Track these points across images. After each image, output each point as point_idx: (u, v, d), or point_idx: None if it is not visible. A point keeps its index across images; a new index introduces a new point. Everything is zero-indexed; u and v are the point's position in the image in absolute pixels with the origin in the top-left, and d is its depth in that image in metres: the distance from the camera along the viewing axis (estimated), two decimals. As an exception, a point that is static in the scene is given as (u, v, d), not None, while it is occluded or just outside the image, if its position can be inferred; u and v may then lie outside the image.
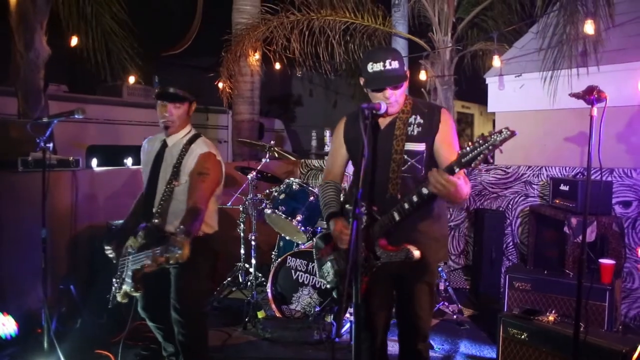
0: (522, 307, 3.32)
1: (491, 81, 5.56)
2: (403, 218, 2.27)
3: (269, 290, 4.26)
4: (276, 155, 4.94)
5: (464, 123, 21.05)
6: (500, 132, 1.88)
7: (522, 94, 5.31)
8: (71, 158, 4.39)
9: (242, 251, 4.94)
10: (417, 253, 2.24)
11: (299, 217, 4.23)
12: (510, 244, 5.02)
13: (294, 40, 6.31)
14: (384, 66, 2.32)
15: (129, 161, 5.17)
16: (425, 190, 2.16)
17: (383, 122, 2.46)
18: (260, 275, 4.82)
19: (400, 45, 7.12)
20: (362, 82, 2.46)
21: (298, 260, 4.18)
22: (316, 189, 4.45)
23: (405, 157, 2.37)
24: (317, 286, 4.10)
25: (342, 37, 6.49)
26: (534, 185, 4.87)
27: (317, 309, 4.05)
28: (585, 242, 2.56)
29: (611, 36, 4.68)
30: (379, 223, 2.34)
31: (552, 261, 4.13)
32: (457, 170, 2.00)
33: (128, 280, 2.59)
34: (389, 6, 6.90)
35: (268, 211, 4.37)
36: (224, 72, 6.76)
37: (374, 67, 2.34)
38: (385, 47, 2.43)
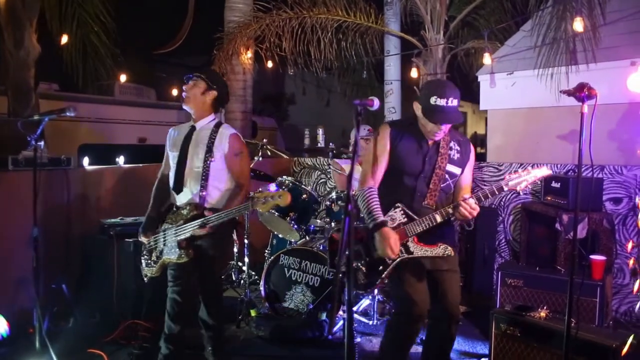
0: (514, 303, 3.34)
1: (483, 79, 5.59)
2: (443, 222, 2.65)
3: (262, 288, 4.26)
4: (269, 153, 4.93)
5: (456, 121, 21.14)
6: (540, 168, 2.57)
7: (514, 91, 5.33)
8: (63, 156, 4.37)
9: (235, 250, 4.94)
10: (452, 251, 2.67)
11: (291, 215, 4.22)
12: (503, 241, 5.05)
13: (286, 39, 6.30)
14: (447, 103, 2.60)
15: (121, 160, 5.15)
16: (450, 212, 2.64)
17: (430, 142, 2.77)
18: (253, 273, 4.81)
19: (393, 43, 7.14)
20: (416, 108, 2.73)
21: (291, 258, 4.18)
22: (309, 187, 4.45)
23: (446, 176, 2.75)
24: (310, 284, 4.10)
25: (335, 36, 6.49)
26: (526, 183, 4.88)
27: (310, 306, 4.05)
28: (577, 239, 2.57)
29: (603, 34, 4.70)
30: (416, 222, 2.67)
31: (544, 258, 4.15)
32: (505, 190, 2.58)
33: (174, 250, 2.99)
34: (381, 4, 6.91)
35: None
36: (215, 70, 6.73)
37: (437, 101, 2.60)
38: (449, 84, 2.85)
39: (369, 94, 9.59)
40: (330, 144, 4.65)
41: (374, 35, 6.76)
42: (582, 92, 2.20)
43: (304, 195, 4.33)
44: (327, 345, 3.83)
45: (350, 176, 2.07)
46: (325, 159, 5.82)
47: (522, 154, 5.10)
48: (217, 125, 3.18)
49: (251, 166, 4.70)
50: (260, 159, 4.67)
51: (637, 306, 2.22)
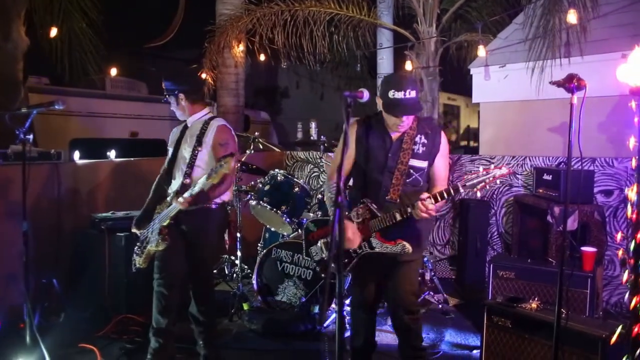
0: (506, 295, 3.35)
1: (476, 72, 5.59)
2: (403, 219, 2.64)
3: (254, 281, 4.26)
4: (260, 147, 4.91)
5: (450, 115, 21.15)
6: (500, 168, 2.44)
7: (507, 84, 5.33)
8: (53, 151, 4.33)
9: (228, 243, 4.93)
10: (410, 248, 2.66)
11: (283, 208, 4.22)
12: (495, 233, 5.07)
13: (278, 32, 6.26)
14: (404, 95, 2.62)
15: (112, 154, 5.12)
16: (409, 211, 2.60)
17: (394, 135, 2.79)
18: (246, 267, 4.81)
19: (386, 36, 7.13)
20: (378, 103, 2.75)
21: (283, 251, 4.17)
22: (301, 181, 4.45)
23: (411, 170, 2.76)
24: (303, 277, 4.10)
25: (327, 28, 6.46)
26: (518, 175, 4.91)
27: (303, 299, 4.05)
28: (567, 231, 2.58)
29: (594, 27, 4.71)
30: (379, 219, 2.70)
31: (536, 250, 4.18)
32: (462, 192, 2.51)
33: (154, 237, 3.02)
34: (374, -3, 6.89)
35: (253, 202, 4.35)
36: (207, 63, 6.70)
37: (395, 94, 2.62)
38: (405, 76, 3.05)
39: (362, 87, 9.61)
40: (322, 137, 4.64)
41: (366, 28, 6.74)
42: (571, 83, 2.20)
43: (296, 189, 4.31)
44: (320, 339, 3.83)
45: (340, 167, 2.08)
46: (318, 153, 5.81)
47: (514, 146, 5.12)
48: (209, 120, 3.26)
49: (243, 159, 4.70)
50: (252, 152, 4.65)
51: (626, 297, 2.23)
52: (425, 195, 2.58)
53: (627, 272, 2.12)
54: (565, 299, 2.77)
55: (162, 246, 3.00)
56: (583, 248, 3.62)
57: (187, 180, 3.09)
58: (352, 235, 2.72)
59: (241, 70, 7.26)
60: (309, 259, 3.08)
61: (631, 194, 2.11)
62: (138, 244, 3.22)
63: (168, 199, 3.10)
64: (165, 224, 3.02)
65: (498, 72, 5.37)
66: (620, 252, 2.35)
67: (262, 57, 6.64)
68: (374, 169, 2.80)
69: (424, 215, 2.54)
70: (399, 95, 2.62)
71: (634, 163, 2.14)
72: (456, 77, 7.29)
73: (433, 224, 4.92)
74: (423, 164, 2.78)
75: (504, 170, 2.44)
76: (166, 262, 3.10)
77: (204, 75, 6.69)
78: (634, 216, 2.07)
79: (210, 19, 7.05)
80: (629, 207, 2.11)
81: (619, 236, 3.28)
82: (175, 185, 3.17)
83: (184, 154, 3.19)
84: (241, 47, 6.76)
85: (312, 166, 6.39)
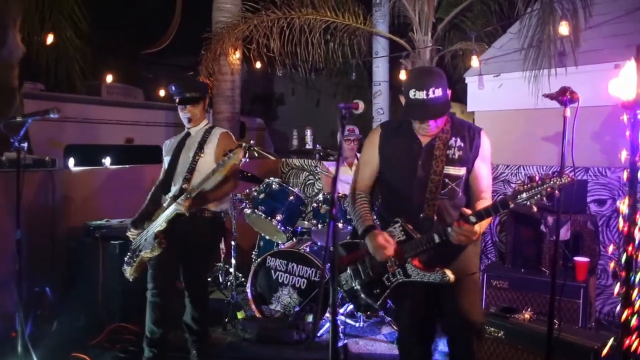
0: (500, 305, 3.36)
1: (470, 81, 5.60)
2: (443, 241, 2.23)
3: (248, 290, 4.25)
4: (256, 155, 4.92)
5: (445, 122, 21.20)
6: (561, 177, 2.00)
7: (501, 93, 5.35)
8: (47, 158, 4.32)
9: (224, 252, 4.92)
10: (452, 277, 2.26)
11: (278, 217, 4.22)
12: (489, 242, 5.08)
13: (274, 39, 6.28)
14: (427, 94, 2.23)
15: (107, 161, 5.11)
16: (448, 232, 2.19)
17: (423, 140, 2.41)
18: (240, 275, 4.80)
19: (381, 44, 7.15)
20: (402, 102, 2.39)
21: (277, 260, 4.17)
22: (296, 189, 4.45)
23: (446, 180, 2.36)
24: (297, 286, 4.10)
25: (323, 36, 6.48)
26: (512, 184, 4.93)
27: (297, 309, 4.05)
28: (559, 241, 2.60)
29: (587, 37, 4.74)
30: (414, 242, 2.32)
31: (529, 259, 4.18)
32: (511, 205, 2.06)
33: (149, 243, 2.99)
34: (370, 5, 6.92)
35: (248, 211, 4.35)
36: (203, 70, 6.71)
37: (416, 94, 2.25)
38: (428, 70, 2.50)
39: (358, 94, 9.63)
40: (317, 145, 4.65)
41: (362, 36, 6.77)
42: (564, 96, 2.22)
43: (291, 197, 4.32)
44: (314, 348, 3.82)
45: (335, 179, 2.06)
46: (313, 161, 5.82)
47: (509, 155, 5.13)
48: (211, 128, 3.31)
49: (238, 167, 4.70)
50: (247, 160, 4.64)
51: (618, 308, 2.24)
52: (467, 211, 2.17)
53: (619, 284, 2.13)
54: (558, 310, 2.78)
55: (157, 251, 2.96)
56: (576, 258, 3.64)
57: (186, 185, 3.08)
58: (384, 241, 2.33)
59: (237, 78, 7.26)
60: (340, 288, 2.64)
61: (623, 206, 2.13)
62: (129, 253, 3.20)
63: (164, 204, 3.09)
64: (162, 228, 3.00)
65: (492, 81, 5.38)
66: (612, 265, 2.37)
67: (258, 65, 6.65)
68: (402, 181, 2.43)
69: (462, 240, 2.15)
70: (421, 95, 2.24)
71: (625, 176, 2.16)
72: (451, 85, 7.31)
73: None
74: (460, 170, 2.38)
75: (565, 180, 2.00)
76: (160, 271, 3.08)
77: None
78: (626, 229, 2.08)
79: (206, 27, 7.06)
80: (620, 219, 2.13)
81: (610, 248, 3.30)
82: (174, 190, 3.16)
83: (184, 160, 3.19)
84: (237, 55, 6.77)
85: (307, 174, 6.39)
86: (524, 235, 4.47)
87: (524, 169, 4.93)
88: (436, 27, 6.39)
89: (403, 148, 2.44)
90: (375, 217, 2.58)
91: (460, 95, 6.16)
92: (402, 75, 6.22)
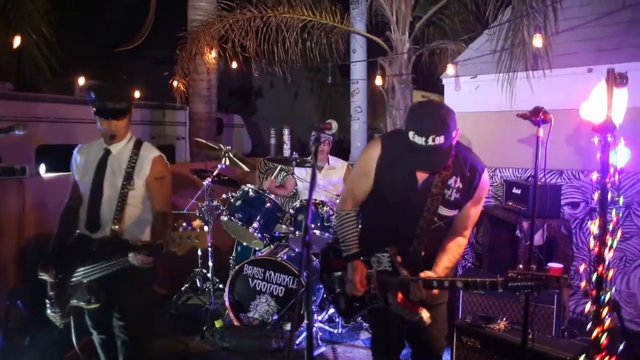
0: (476, 313, 3.39)
1: (447, 82, 5.62)
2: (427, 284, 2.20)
3: (226, 298, 4.22)
4: (233, 159, 4.86)
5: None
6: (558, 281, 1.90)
7: (478, 95, 5.38)
8: (17, 166, 4.19)
9: (200, 256, 4.87)
10: (428, 321, 2.27)
11: (255, 224, 4.19)
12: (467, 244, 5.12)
13: (250, 39, 6.20)
14: (426, 142, 2.04)
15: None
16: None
17: (421, 176, 2.29)
18: (217, 280, 4.76)
19: (359, 42, 7.11)
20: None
21: (255, 268, 4.15)
22: (272, 195, 4.41)
23: (435, 218, 2.29)
24: (275, 294, 4.09)
25: (300, 35, 6.42)
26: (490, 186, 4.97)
27: (275, 317, 4.03)
28: (532, 254, 2.62)
29: (561, 40, 4.79)
30: (399, 280, 2.27)
31: (505, 262, 4.24)
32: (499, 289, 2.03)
33: (83, 294, 2.60)
34: (347, 4, 6.87)
35: (224, 218, 4.31)
36: (178, 70, 6.60)
37: (415, 138, 2.06)
38: (433, 114, 2.11)
39: (335, 90, 9.56)
40: (294, 153, 4.61)
41: (339, 35, 6.73)
42: (537, 117, 2.22)
43: (268, 204, 4.29)
44: (292, 356, 3.82)
45: (309, 203, 2.05)
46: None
47: (485, 156, 5.12)
48: (137, 146, 2.79)
49: (215, 172, 4.64)
50: (224, 166, 4.59)
51: (587, 308, 2.28)
52: (425, 274, 2.17)
53: (589, 303, 2.16)
54: (531, 318, 2.81)
55: (94, 305, 2.61)
56: (550, 264, 3.69)
57: (117, 227, 2.67)
58: (359, 280, 2.34)
59: (213, 77, 7.18)
60: (323, 284, 2.71)
61: (593, 227, 2.15)
62: (50, 292, 2.70)
63: (93, 248, 2.66)
64: (95, 277, 2.58)
65: (469, 82, 5.41)
66: (583, 284, 2.40)
67: (234, 65, 6.56)
68: (394, 210, 2.35)
69: (416, 299, 2.19)
70: (420, 141, 2.04)
71: (596, 197, 2.18)
72: (428, 82, 7.33)
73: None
74: (452, 212, 2.31)
75: (563, 283, 1.90)
76: (102, 315, 2.80)
77: (175, 83, 6.60)
78: (596, 249, 2.11)
79: (182, 22, 6.94)
80: (591, 239, 2.15)
81: (582, 268, 3.35)
82: (101, 233, 2.72)
83: (111, 191, 2.72)
84: (213, 54, 6.68)
85: (284, 174, 6.36)
86: (500, 238, 4.52)
87: (499, 171, 4.97)
88: (414, 26, 6.38)
89: (400, 177, 2.32)
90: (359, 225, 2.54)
91: (437, 85, 6.19)
92: (378, 81, 6.21)
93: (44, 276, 2.69)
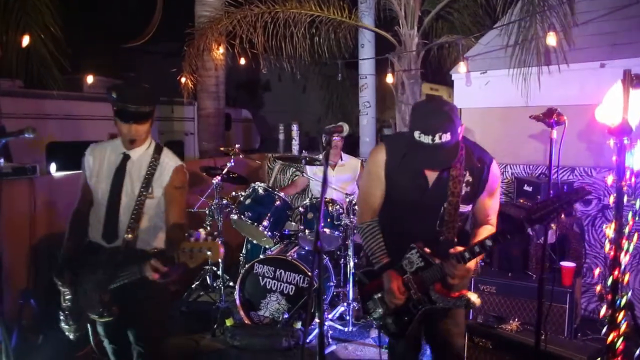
0: (487, 313, 3.37)
1: (457, 77, 5.56)
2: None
3: (237, 296, 4.23)
4: (241, 156, 4.86)
5: (432, 106, 21.15)
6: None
7: (488, 90, 5.32)
8: (28, 165, 4.21)
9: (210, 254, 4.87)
10: (478, 301, 2.24)
11: (265, 223, 4.19)
12: (476, 240, 5.09)
13: (258, 34, 6.16)
14: (433, 140, 2.04)
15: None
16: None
17: (431, 175, 2.28)
18: (227, 278, 4.77)
19: (367, 37, 7.07)
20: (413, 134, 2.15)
21: (265, 267, 4.15)
22: (282, 193, 4.41)
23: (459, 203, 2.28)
24: (285, 292, 4.09)
25: (308, 30, 6.38)
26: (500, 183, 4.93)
27: (286, 315, 4.04)
28: (546, 255, 2.60)
29: (575, 35, 4.71)
30: (434, 268, 2.24)
31: (516, 261, 4.20)
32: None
33: (95, 305, 2.49)
34: (355, -1, 6.82)
35: (234, 217, 4.31)
36: (186, 66, 6.58)
37: (421, 136, 2.06)
38: (437, 110, 2.10)
39: (344, 85, 9.51)
40: (304, 151, 4.59)
41: (347, 30, 6.68)
42: (551, 118, 2.20)
43: (277, 202, 4.28)
44: (304, 355, 3.83)
45: (320, 206, 2.03)
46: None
47: (496, 153, 5.09)
48: (157, 152, 2.63)
49: (225, 171, 4.64)
50: (233, 164, 4.59)
51: (602, 312, 2.26)
52: (457, 249, 2.15)
53: (604, 307, 2.14)
54: (544, 318, 2.80)
55: (106, 318, 2.51)
56: (562, 263, 3.66)
57: (131, 236, 2.53)
58: (397, 290, 2.26)
59: (221, 73, 7.16)
60: (369, 316, 2.54)
61: (609, 230, 2.13)
62: (65, 312, 2.63)
63: (103, 257, 2.55)
64: (108, 287, 2.46)
65: (479, 78, 5.35)
66: (598, 288, 2.38)
67: (242, 61, 6.53)
68: (410, 210, 2.34)
69: (456, 281, 2.16)
70: (426, 139, 2.05)
71: (611, 200, 2.15)
72: (439, 68, 7.27)
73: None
74: (466, 208, 2.32)
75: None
76: (116, 329, 2.70)
77: (182, 80, 6.59)
78: (612, 253, 2.08)
79: (190, 16, 6.91)
80: (607, 243, 2.13)
81: (596, 272, 3.32)
82: (112, 239, 2.59)
83: (128, 198, 2.58)
84: (221, 50, 6.65)
85: (294, 169, 6.34)
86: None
87: (510, 167, 4.93)
88: (422, 20, 6.32)
89: (409, 180, 2.31)
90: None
91: (446, 77, 6.14)
92: (389, 79, 6.16)
93: (60, 285, 2.61)
